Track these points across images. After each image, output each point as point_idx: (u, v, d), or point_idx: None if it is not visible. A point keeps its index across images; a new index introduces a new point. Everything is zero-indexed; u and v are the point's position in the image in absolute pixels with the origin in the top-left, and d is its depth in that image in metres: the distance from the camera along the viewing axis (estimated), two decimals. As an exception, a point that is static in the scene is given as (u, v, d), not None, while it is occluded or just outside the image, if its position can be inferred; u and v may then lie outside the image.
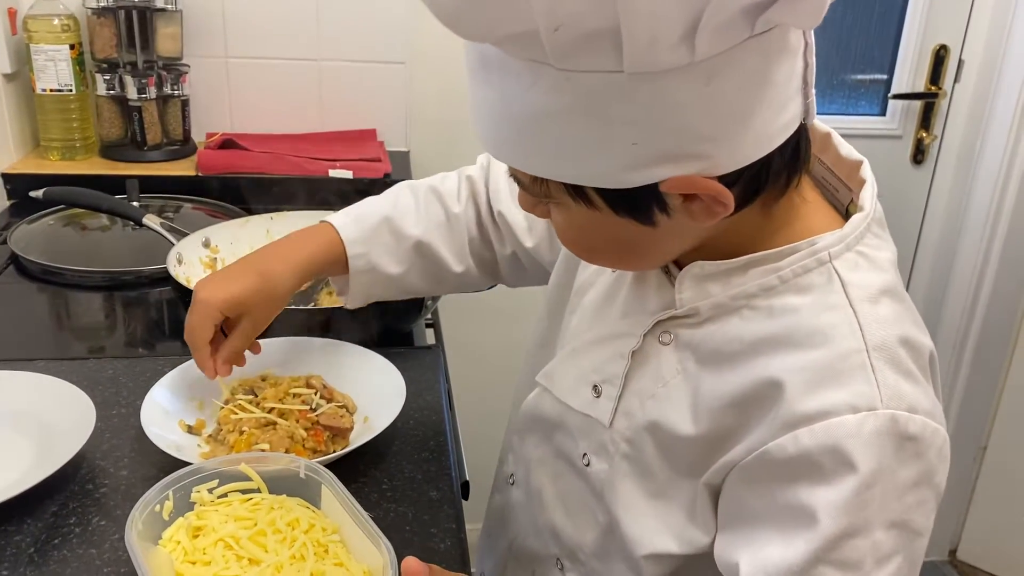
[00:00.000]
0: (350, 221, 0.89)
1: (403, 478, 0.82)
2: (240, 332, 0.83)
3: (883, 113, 2.08)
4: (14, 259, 1.28)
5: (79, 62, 1.54)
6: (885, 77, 2.05)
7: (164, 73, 1.59)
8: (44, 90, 1.53)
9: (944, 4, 1.96)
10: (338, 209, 1.33)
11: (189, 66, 1.64)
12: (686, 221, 0.58)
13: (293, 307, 1.11)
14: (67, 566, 0.69)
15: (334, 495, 0.68)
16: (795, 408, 0.57)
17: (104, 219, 1.42)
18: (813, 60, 0.56)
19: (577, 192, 0.57)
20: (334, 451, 0.82)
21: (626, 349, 0.67)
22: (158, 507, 0.67)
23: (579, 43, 0.49)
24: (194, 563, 0.65)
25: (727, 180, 0.55)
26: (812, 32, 0.56)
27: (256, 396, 0.87)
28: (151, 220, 1.26)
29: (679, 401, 0.63)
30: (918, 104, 2.05)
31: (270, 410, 0.84)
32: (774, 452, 0.57)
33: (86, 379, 0.91)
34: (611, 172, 0.54)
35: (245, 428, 0.83)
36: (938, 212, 2.12)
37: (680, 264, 0.65)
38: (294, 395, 0.87)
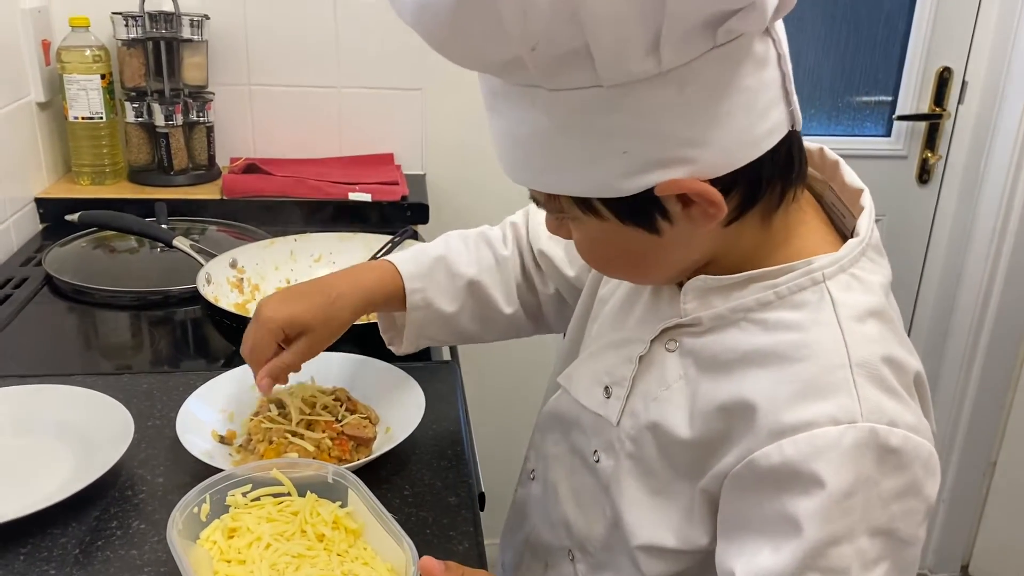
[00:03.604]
0: (407, 259, 0.92)
1: (423, 485, 0.87)
2: (294, 350, 0.84)
3: (888, 134, 2.12)
4: (48, 280, 1.33)
5: (109, 91, 1.61)
6: (890, 99, 2.10)
7: (190, 101, 1.65)
8: (76, 118, 1.59)
9: (947, 27, 2.01)
10: (358, 231, 1.39)
11: (214, 94, 1.70)
12: (688, 228, 0.62)
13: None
14: (110, 566, 0.74)
15: (360, 498, 0.72)
16: (781, 418, 0.60)
17: (132, 241, 1.48)
18: (789, 69, 0.61)
19: (585, 205, 0.63)
20: (358, 459, 0.86)
21: (635, 354, 0.72)
22: (196, 509, 0.71)
23: (558, 62, 0.54)
24: (229, 562, 0.69)
25: (723, 186, 0.60)
26: (784, 44, 0.61)
27: (285, 408, 0.91)
28: (181, 242, 1.32)
29: (679, 405, 0.68)
30: (923, 125, 2.09)
31: (298, 421, 0.89)
32: (760, 461, 0.61)
33: (122, 392, 0.96)
34: (609, 181, 0.59)
35: (274, 438, 0.87)
36: (944, 231, 2.16)
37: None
38: (321, 407, 0.91)
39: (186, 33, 1.62)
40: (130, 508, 0.81)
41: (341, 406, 0.91)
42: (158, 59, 1.61)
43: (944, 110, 2.07)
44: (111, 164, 1.65)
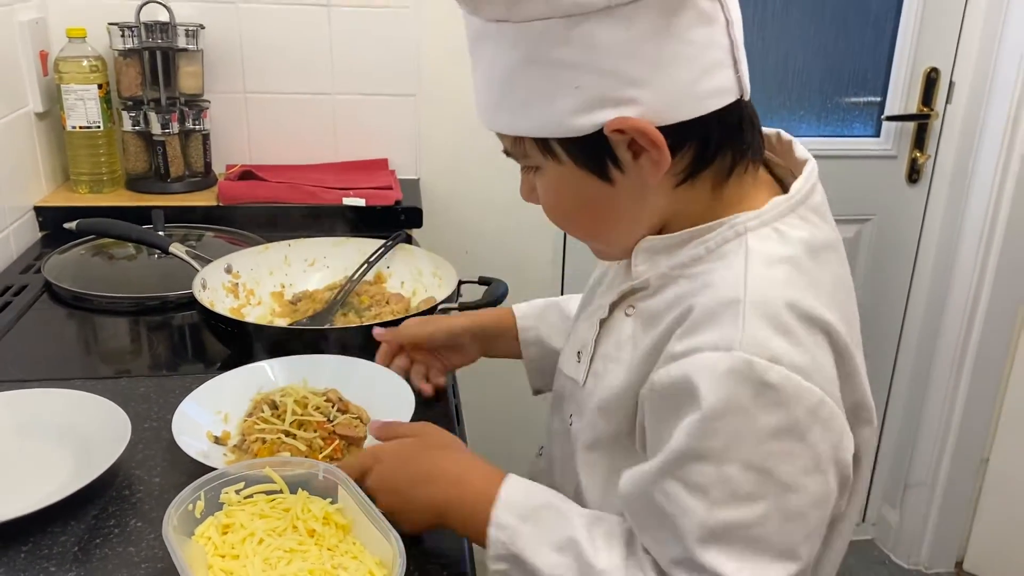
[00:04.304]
0: (524, 304, 1.06)
1: (413, 482, 0.88)
2: (407, 323, 1.03)
3: (877, 134, 2.15)
4: (48, 287, 1.35)
5: (106, 100, 1.63)
6: (878, 99, 2.12)
7: (186, 109, 1.68)
8: (74, 127, 1.61)
9: (934, 28, 2.03)
10: (353, 236, 1.41)
11: (210, 102, 1.73)
12: (638, 179, 0.68)
13: (311, 327, 1.18)
14: (108, 563, 0.76)
15: (349, 495, 0.74)
16: (675, 346, 0.65)
17: (130, 248, 1.49)
18: (739, 38, 0.67)
19: (545, 147, 0.69)
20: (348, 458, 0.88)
21: (596, 319, 0.78)
22: (191, 506, 0.73)
23: None
24: (223, 557, 0.71)
25: (672, 140, 0.65)
26: (733, 12, 0.66)
27: (277, 409, 0.93)
28: (177, 248, 1.34)
29: (625, 362, 0.73)
30: (911, 125, 2.12)
31: (290, 422, 0.91)
32: (656, 382, 0.66)
33: (120, 396, 0.98)
34: (564, 119, 0.66)
35: (267, 438, 0.89)
36: (934, 229, 2.18)
37: None
38: (313, 408, 0.93)
39: (182, 43, 1.64)
40: (128, 507, 0.83)
41: (333, 406, 0.93)
42: (154, 68, 1.64)
43: (932, 110, 2.09)
44: (109, 172, 1.67)
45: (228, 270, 1.27)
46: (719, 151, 0.69)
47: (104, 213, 1.51)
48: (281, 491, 0.77)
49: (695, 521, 0.62)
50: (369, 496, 0.74)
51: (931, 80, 2.07)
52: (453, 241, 1.84)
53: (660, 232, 0.73)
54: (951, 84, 2.07)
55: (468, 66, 0.71)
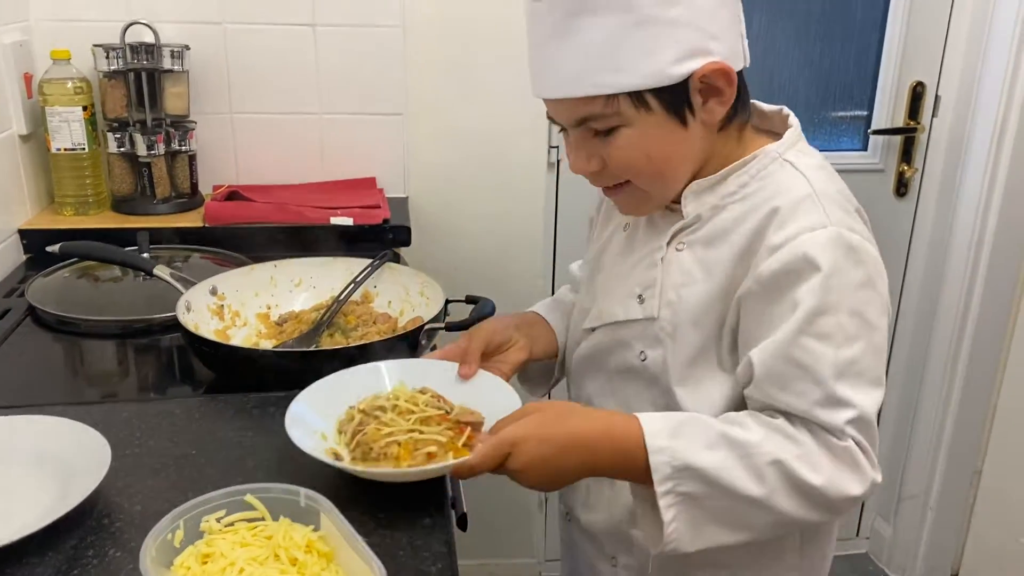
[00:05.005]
0: (536, 306, 1.16)
1: (398, 506, 0.87)
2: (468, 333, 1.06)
3: (865, 148, 2.15)
4: (31, 311, 1.34)
5: (91, 122, 1.63)
6: (865, 113, 2.12)
7: (172, 130, 1.67)
8: (59, 149, 1.61)
9: (919, 43, 2.04)
10: (341, 255, 1.40)
11: (196, 123, 1.72)
12: (704, 120, 0.84)
13: (296, 349, 1.17)
14: (87, 594, 0.75)
15: (332, 521, 0.73)
16: (772, 240, 0.82)
17: (116, 270, 1.49)
18: (741, 15, 0.86)
19: (639, 101, 0.82)
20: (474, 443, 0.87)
21: (656, 258, 0.91)
22: (170, 535, 0.72)
23: None
24: (203, 587, 0.70)
25: None
26: None
27: (387, 413, 0.91)
28: (161, 271, 1.33)
29: (699, 279, 0.88)
30: (898, 138, 2.12)
31: (415, 420, 0.89)
32: (763, 271, 0.82)
33: (101, 422, 0.96)
34: (665, 68, 0.80)
35: (400, 439, 0.87)
36: (923, 242, 2.18)
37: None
38: (424, 404, 0.92)
39: (167, 64, 1.64)
40: (107, 536, 0.81)
41: (439, 401, 0.93)
42: (139, 90, 1.63)
43: (919, 124, 2.10)
44: (94, 194, 1.66)
45: (213, 292, 1.26)
46: (747, 104, 0.88)
47: (90, 235, 1.50)
48: (263, 518, 0.76)
49: (829, 363, 0.78)
50: (515, 477, 0.82)
51: (917, 94, 2.07)
52: (442, 259, 1.84)
53: (694, 177, 0.89)
54: (937, 98, 2.07)
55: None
